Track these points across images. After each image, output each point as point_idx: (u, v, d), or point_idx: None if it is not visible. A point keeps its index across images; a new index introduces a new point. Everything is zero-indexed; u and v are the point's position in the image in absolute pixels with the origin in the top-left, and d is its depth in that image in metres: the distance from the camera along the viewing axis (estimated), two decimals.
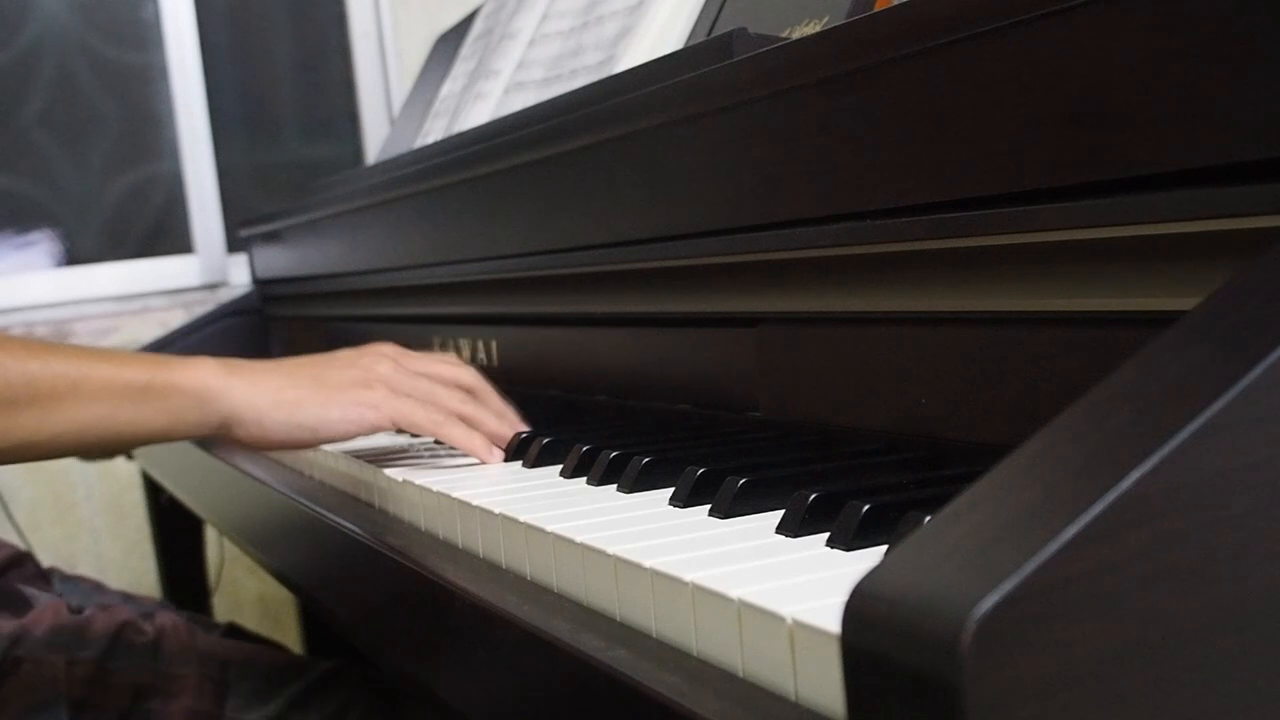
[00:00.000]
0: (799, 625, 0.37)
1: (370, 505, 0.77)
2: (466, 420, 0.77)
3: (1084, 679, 0.27)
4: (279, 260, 1.59)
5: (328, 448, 0.86)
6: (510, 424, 0.79)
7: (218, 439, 0.75)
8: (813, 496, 0.49)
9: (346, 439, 0.77)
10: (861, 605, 0.29)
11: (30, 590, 0.98)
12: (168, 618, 0.95)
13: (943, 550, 0.29)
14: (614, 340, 0.86)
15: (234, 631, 1.13)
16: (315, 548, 0.79)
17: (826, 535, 0.47)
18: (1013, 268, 0.52)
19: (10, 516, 1.72)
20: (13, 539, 1.44)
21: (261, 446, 0.76)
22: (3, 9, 2.12)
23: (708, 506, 0.55)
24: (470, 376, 0.82)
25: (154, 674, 0.87)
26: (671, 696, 0.38)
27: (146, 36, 2.20)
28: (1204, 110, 0.42)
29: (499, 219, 0.96)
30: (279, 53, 2.39)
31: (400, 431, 0.91)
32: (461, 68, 1.44)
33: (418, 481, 0.69)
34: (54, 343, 0.73)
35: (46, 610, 0.91)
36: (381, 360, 0.78)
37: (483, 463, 0.75)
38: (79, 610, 0.94)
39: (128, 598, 1.14)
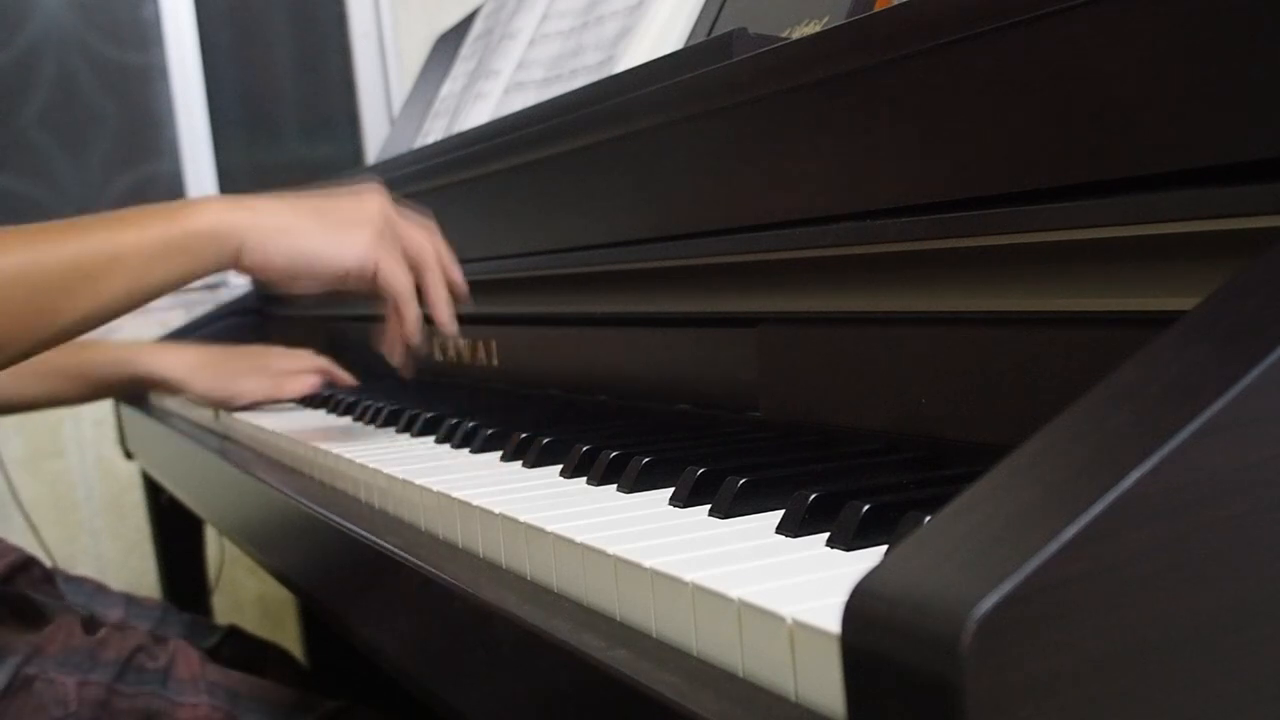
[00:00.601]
0: (799, 625, 0.37)
1: (370, 505, 0.77)
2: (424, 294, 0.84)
3: (1084, 679, 0.27)
4: None
5: (325, 447, 0.86)
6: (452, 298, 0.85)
7: (230, 269, 0.80)
8: (813, 496, 0.49)
9: (340, 271, 0.81)
10: (861, 605, 0.29)
11: (41, 598, 0.99)
12: (179, 643, 0.95)
13: (943, 550, 0.29)
14: (614, 340, 0.86)
15: (235, 635, 1.13)
16: (315, 548, 0.80)
17: (826, 535, 0.47)
18: (1013, 268, 0.52)
19: (27, 517, 1.72)
20: (28, 540, 1.44)
21: (264, 271, 0.80)
22: (3, 9, 2.12)
23: (708, 506, 0.55)
24: (438, 251, 0.88)
25: (164, 700, 0.88)
26: (671, 696, 0.38)
27: (146, 36, 2.20)
28: (1204, 110, 0.42)
29: (499, 219, 0.96)
30: (279, 53, 2.39)
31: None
32: (461, 68, 1.44)
33: (418, 481, 0.69)
34: (83, 219, 0.77)
35: (60, 628, 0.91)
36: (377, 214, 0.83)
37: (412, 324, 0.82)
38: (91, 624, 0.94)
39: (129, 599, 1.15)
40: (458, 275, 0.87)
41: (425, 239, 0.85)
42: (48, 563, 1.15)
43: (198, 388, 1.19)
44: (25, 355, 0.73)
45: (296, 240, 0.79)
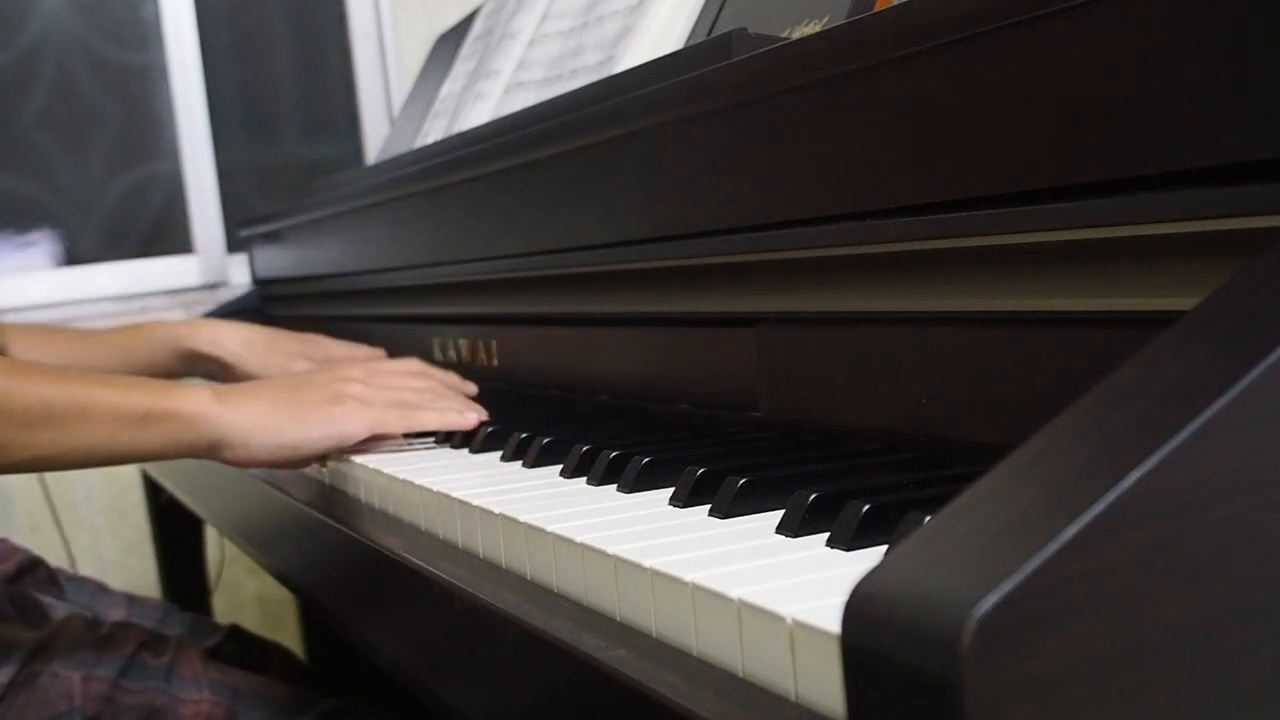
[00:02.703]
0: (799, 625, 0.37)
1: (370, 505, 0.77)
2: (437, 410, 0.85)
3: (1084, 679, 0.27)
4: (279, 260, 1.59)
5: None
6: (476, 412, 0.85)
7: (208, 459, 0.82)
8: (813, 496, 0.49)
9: (326, 453, 0.84)
10: (861, 605, 0.29)
11: (46, 599, 0.99)
12: (181, 643, 0.96)
13: (943, 550, 0.29)
14: (614, 340, 0.86)
15: (236, 634, 1.13)
16: (315, 548, 0.80)
17: (826, 535, 0.47)
18: (1013, 268, 0.52)
19: (11, 517, 1.72)
20: (25, 540, 1.44)
21: (249, 466, 0.82)
22: (3, 9, 2.12)
23: (708, 506, 0.55)
24: (435, 372, 0.90)
25: (167, 696, 0.89)
26: (671, 696, 0.38)
27: (146, 36, 2.20)
28: (1204, 110, 0.42)
29: (499, 219, 0.96)
30: (279, 53, 2.39)
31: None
32: (461, 68, 1.44)
33: (418, 481, 0.69)
34: (67, 369, 0.79)
35: (65, 625, 0.91)
36: (351, 383, 0.85)
37: (460, 429, 0.82)
38: (95, 623, 0.95)
39: (131, 599, 1.15)
40: (459, 393, 0.89)
41: (408, 387, 0.87)
42: (51, 563, 1.15)
43: (247, 367, 1.18)
44: None
45: (276, 435, 0.80)
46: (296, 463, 0.83)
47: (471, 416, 0.83)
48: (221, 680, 0.92)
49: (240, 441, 0.79)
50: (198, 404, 0.80)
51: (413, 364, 0.94)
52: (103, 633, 0.93)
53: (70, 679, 0.86)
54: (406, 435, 0.89)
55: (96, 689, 0.86)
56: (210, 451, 0.80)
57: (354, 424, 0.81)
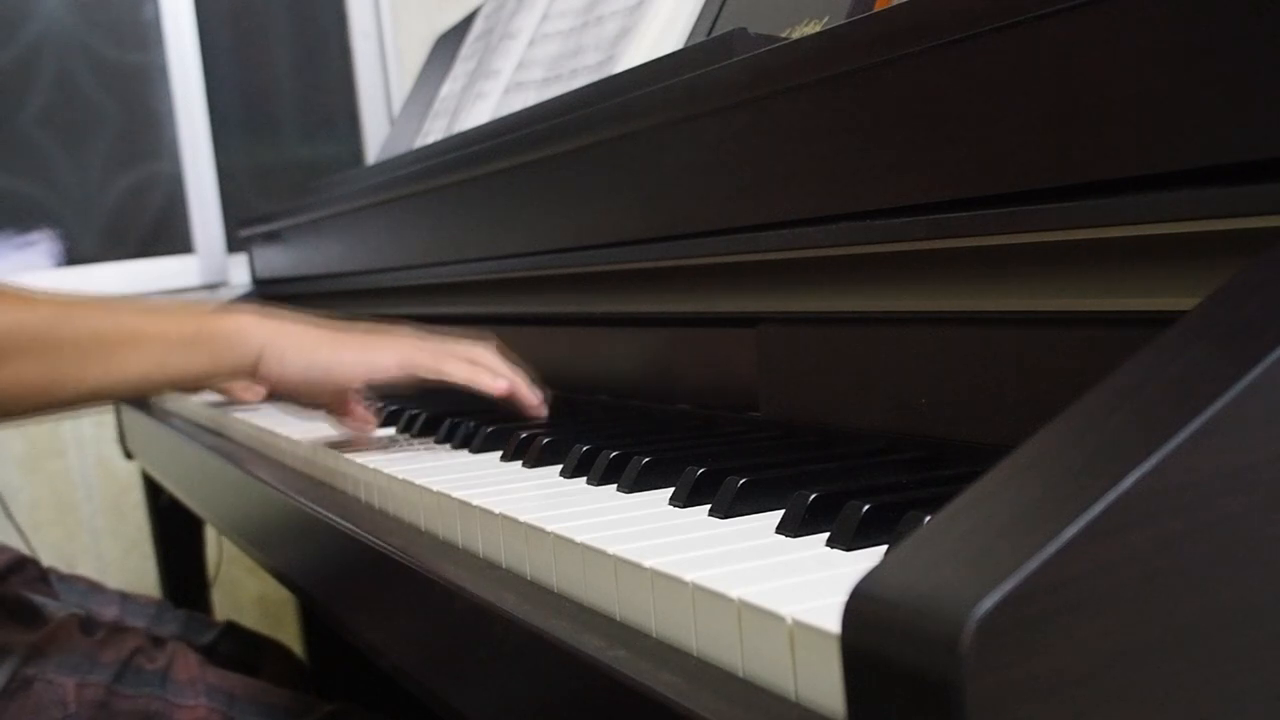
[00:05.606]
0: (799, 625, 0.37)
1: (370, 505, 0.77)
2: (473, 362, 0.83)
3: (1084, 678, 0.27)
4: (279, 260, 1.59)
5: (325, 447, 0.86)
6: (508, 380, 0.83)
7: (248, 378, 0.83)
8: (813, 496, 0.49)
9: (359, 381, 0.83)
10: (861, 605, 0.29)
11: (38, 598, 0.99)
12: (178, 645, 0.95)
13: (943, 550, 0.29)
14: (614, 340, 0.86)
15: (232, 631, 1.13)
16: (315, 548, 0.80)
17: (826, 535, 0.47)
18: (1013, 268, 0.52)
19: (10, 516, 1.72)
20: (14, 540, 1.44)
21: (281, 384, 0.82)
22: (3, 9, 2.12)
23: (708, 506, 0.55)
24: (485, 345, 0.88)
25: (162, 702, 0.88)
26: (671, 696, 0.38)
27: (146, 36, 2.20)
28: (1204, 110, 0.42)
29: (499, 219, 0.96)
30: (279, 53, 2.39)
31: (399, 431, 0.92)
32: (461, 68, 1.44)
33: (418, 481, 0.69)
34: (114, 298, 0.79)
35: (59, 629, 0.91)
36: (405, 336, 0.85)
37: (489, 391, 0.81)
38: (88, 624, 0.95)
39: (124, 597, 1.15)
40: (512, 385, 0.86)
41: (451, 341, 0.86)
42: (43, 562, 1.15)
43: None
44: (21, 417, 0.76)
45: (311, 354, 0.81)
46: (326, 386, 0.83)
47: (502, 383, 0.82)
48: (218, 685, 0.92)
49: (276, 356, 0.80)
50: (242, 320, 0.81)
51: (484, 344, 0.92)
52: (98, 636, 0.92)
53: (64, 685, 0.86)
54: (419, 434, 0.89)
55: (91, 695, 0.86)
56: (253, 369, 0.81)
57: (385, 356, 0.82)
